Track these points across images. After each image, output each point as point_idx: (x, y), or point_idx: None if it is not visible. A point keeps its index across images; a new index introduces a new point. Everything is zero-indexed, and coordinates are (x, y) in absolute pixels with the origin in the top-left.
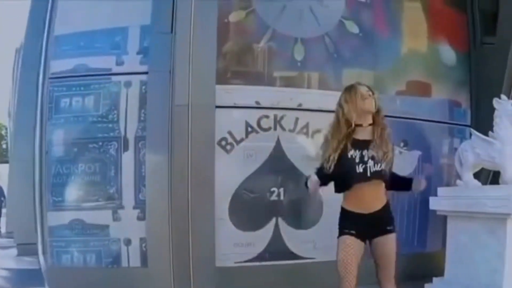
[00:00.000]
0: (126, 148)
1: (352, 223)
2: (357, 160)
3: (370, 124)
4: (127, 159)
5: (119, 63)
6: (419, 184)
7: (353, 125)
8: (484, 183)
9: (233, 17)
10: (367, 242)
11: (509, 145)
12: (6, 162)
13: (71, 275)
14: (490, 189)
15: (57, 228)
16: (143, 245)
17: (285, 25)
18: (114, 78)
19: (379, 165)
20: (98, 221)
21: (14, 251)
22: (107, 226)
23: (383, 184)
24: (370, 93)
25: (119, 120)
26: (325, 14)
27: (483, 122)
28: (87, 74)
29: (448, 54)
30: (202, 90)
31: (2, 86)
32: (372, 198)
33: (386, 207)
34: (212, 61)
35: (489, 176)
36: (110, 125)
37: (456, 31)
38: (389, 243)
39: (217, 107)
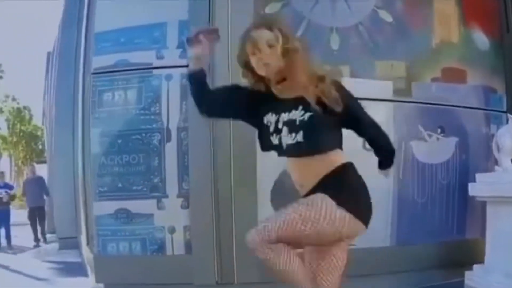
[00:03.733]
0: (169, 139)
1: None
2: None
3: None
4: (170, 149)
5: (159, 57)
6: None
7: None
8: None
9: (269, 9)
10: None
11: None
12: (44, 162)
13: (117, 263)
14: None
15: (102, 218)
16: (187, 233)
17: (320, 15)
18: (155, 71)
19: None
20: (143, 210)
21: (55, 245)
22: (151, 215)
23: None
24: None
25: (161, 112)
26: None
27: None
28: (129, 69)
29: (481, 40)
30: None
31: (34, 92)
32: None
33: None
34: None
35: None
36: (153, 117)
37: (488, 17)
38: None
39: None
